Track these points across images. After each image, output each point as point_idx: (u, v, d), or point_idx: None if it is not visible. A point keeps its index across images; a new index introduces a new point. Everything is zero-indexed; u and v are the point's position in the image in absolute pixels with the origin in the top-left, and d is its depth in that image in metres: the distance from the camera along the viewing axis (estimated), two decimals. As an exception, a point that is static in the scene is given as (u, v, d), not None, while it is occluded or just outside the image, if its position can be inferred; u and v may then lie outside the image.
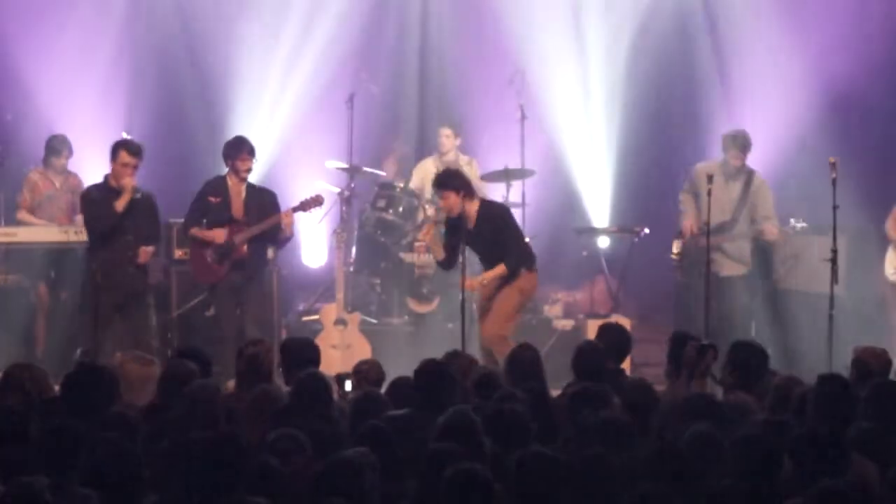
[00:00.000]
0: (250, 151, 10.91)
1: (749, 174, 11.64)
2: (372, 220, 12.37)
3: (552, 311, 12.53)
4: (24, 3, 13.14)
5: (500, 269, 10.18)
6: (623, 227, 12.75)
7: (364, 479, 5.51)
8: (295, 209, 10.93)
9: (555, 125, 13.42)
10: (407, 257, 12.30)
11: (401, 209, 12.38)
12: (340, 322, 11.51)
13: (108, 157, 10.68)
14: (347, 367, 8.46)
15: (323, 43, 13.41)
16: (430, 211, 12.07)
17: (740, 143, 11.56)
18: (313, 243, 13.33)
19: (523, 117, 12.61)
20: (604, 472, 5.56)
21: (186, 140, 13.34)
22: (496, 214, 10.41)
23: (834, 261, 9.99)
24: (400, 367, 8.19)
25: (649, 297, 13.02)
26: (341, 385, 8.01)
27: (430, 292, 12.29)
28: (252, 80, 13.37)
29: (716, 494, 5.57)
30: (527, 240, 11.00)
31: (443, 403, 6.59)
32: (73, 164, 11.97)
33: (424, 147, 13.49)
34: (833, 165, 9.94)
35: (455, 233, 10.27)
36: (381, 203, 12.40)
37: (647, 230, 12.36)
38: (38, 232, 11.62)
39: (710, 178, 10.53)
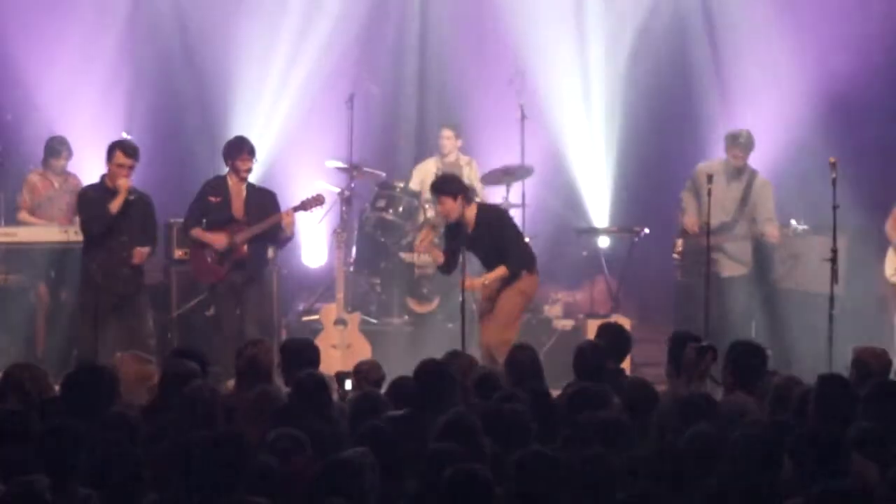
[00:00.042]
0: (250, 151, 10.91)
1: (751, 174, 11.63)
2: (372, 220, 12.37)
3: (552, 311, 12.53)
4: (25, 3, 13.13)
5: (502, 270, 10.16)
6: (623, 227, 12.75)
7: (364, 479, 5.51)
8: (296, 209, 10.93)
9: (555, 125, 13.42)
10: (407, 257, 12.30)
11: (401, 209, 12.38)
12: (340, 322, 11.51)
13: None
14: (347, 367, 8.46)
15: (322, 43, 13.41)
16: (431, 212, 12.07)
17: (743, 142, 11.56)
18: (313, 243, 13.33)
19: (523, 117, 12.60)
20: (603, 472, 5.56)
21: (186, 140, 13.34)
22: (494, 218, 10.40)
23: (834, 261, 9.99)
24: (400, 367, 8.19)
25: (649, 297, 13.02)
26: (341, 384, 8.02)
27: (430, 292, 12.30)
28: (252, 80, 13.36)
29: (715, 494, 5.57)
30: (526, 240, 11.00)
31: (443, 403, 6.59)
32: (73, 165, 11.96)
33: (424, 147, 13.48)
34: (833, 165, 9.94)
35: (454, 237, 10.26)
36: (381, 203, 12.40)
37: (647, 230, 12.36)
38: (38, 232, 11.62)
39: (710, 178, 10.53)
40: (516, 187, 12.49)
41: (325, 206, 11.37)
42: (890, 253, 11.51)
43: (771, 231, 11.51)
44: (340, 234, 11.71)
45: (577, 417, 6.38)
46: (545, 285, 11.93)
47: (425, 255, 11.44)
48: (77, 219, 11.15)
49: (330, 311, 11.58)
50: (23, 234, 11.59)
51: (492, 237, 10.19)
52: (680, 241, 11.82)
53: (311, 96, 13.38)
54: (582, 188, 13.44)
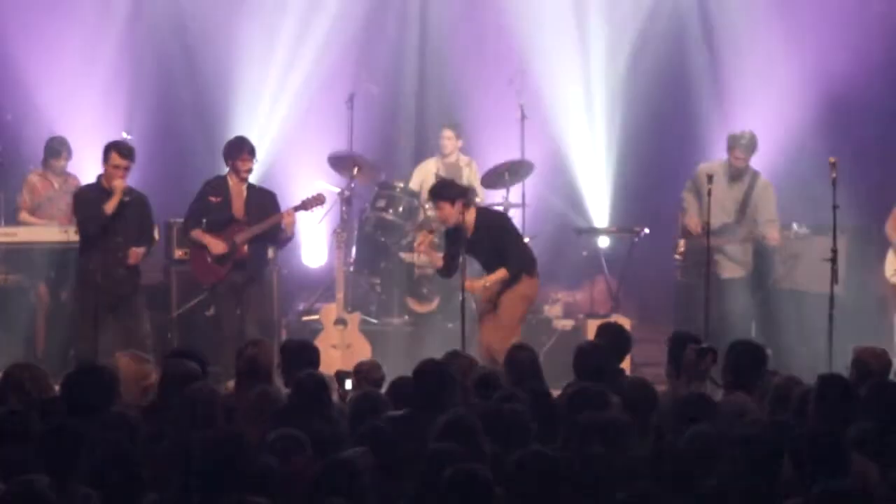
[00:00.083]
0: (251, 152, 10.91)
1: (753, 176, 11.63)
2: (372, 220, 12.36)
3: (552, 311, 12.52)
4: (26, 4, 13.14)
5: (502, 272, 10.13)
6: (623, 227, 12.75)
7: (363, 479, 5.52)
8: (296, 208, 10.93)
9: (555, 125, 13.42)
10: (407, 257, 12.30)
11: (401, 209, 12.37)
12: (340, 322, 11.51)
13: (105, 158, 10.67)
14: (347, 367, 8.46)
15: (323, 42, 13.42)
16: (431, 212, 12.07)
17: (745, 144, 11.54)
18: (313, 243, 13.33)
19: (523, 117, 12.61)
20: (603, 472, 5.56)
21: (186, 140, 13.34)
22: (494, 221, 10.38)
23: (834, 261, 9.98)
24: (400, 367, 8.20)
25: (649, 297, 13.02)
26: (341, 383, 8.02)
27: (430, 292, 12.30)
28: (251, 79, 13.37)
29: (715, 494, 5.57)
30: (526, 240, 11.00)
31: (443, 403, 6.59)
32: (73, 166, 11.97)
33: (424, 147, 13.48)
34: (833, 165, 9.93)
35: (454, 242, 10.24)
36: (381, 203, 12.39)
37: (647, 230, 12.36)
38: (38, 232, 11.62)
39: (710, 178, 10.53)
40: (516, 187, 12.48)
41: (325, 206, 11.37)
42: (890, 253, 11.51)
43: (772, 234, 11.50)
44: (340, 234, 11.71)
45: (577, 417, 6.37)
46: (545, 285, 11.93)
47: (424, 256, 11.43)
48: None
49: (330, 311, 11.59)
50: (23, 234, 11.59)
51: (492, 240, 10.17)
52: (682, 242, 11.82)
53: (311, 96, 13.38)
54: (582, 188, 13.44)
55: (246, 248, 10.85)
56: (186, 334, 11.64)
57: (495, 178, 12.45)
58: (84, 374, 6.90)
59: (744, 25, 13.15)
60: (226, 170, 10.99)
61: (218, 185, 10.95)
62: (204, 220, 10.88)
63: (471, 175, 12.58)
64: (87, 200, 10.58)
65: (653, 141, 13.45)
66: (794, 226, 11.76)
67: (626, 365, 9.26)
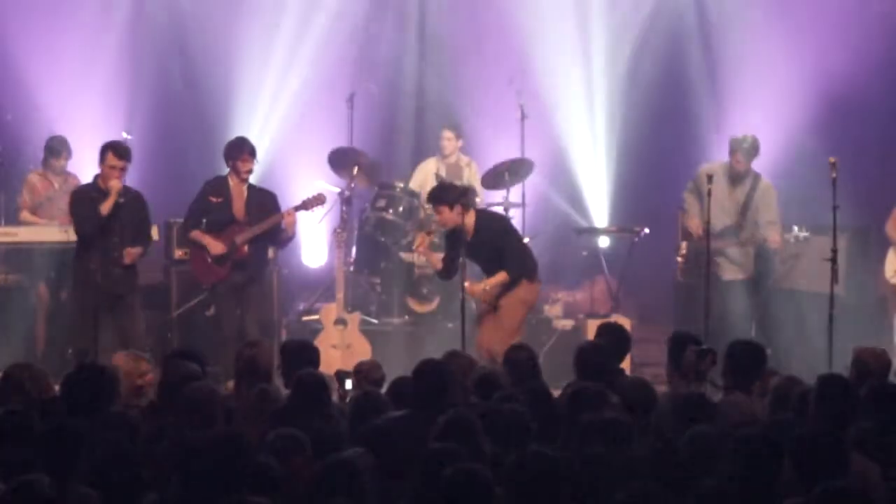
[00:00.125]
0: (251, 152, 10.91)
1: (755, 178, 11.62)
2: (372, 220, 12.36)
3: (552, 311, 12.52)
4: (27, 4, 13.14)
5: (502, 276, 10.09)
6: (623, 227, 12.75)
7: (363, 479, 5.52)
8: (297, 208, 10.93)
9: (555, 125, 13.42)
10: (407, 257, 12.30)
11: (401, 209, 12.37)
12: (340, 322, 11.51)
13: (105, 158, 10.67)
14: (347, 367, 8.47)
15: (322, 42, 13.42)
16: (431, 212, 12.06)
17: (747, 148, 11.53)
18: (313, 243, 13.33)
19: (523, 117, 12.61)
20: (603, 472, 5.56)
21: (186, 140, 13.34)
22: (494, 224, 10.36)
23: (834, 261, 9.98)
24: (400, 367, 8.21)
25: (649, 297, 13.03)
26: (342, 383, 8.02)
27: (430, 292, 12.29)
28: (251, 79, 13.37)
29: (715, 494, 5.57)
30: (526, 240, 10.99)
31: (443, 403, 6.59)
32: (74, 165, 11.97)
33: (424, 147, 13.48)
34: (833, 165, 9.93)
35: (454, 244, 10.22)
36: (381, 203, 12.39)
37: (647, 230, 12.35)
38: (39, 232, 11.62)
39: (710, 178, 10.53)
40: (516, 187, 12.48)
41: (326, 206, 11.37)
42: (890, 253, 11.51)
43: (773, 237, 11.48)
44: (340, 234, 11.71)
45: (577, 417, 6.38)
46: (545, 285, 11.92)
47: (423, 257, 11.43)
48: (76, 219, 11.15)
49: (330, 311, 11.58)
50: (23, 234, 11.59)
51: (492, 243, 10.13)
52: (684, 244, 11.82)
53: (311, 96, 13.38)
54: (582, 188, 13.45)
55: (246, 248, 10.85)
56: (186, 334, 11.64)
57: (495, 178, 12.44)
58: (84, 374, 6.90)
59: (744, 25, 13.15)
60: (226, 170, 10.99)
61: (218, 186, 10.95)
62: (204, 221, 10.88)
63: (471, 175, 12.58)
64: (83, 201, 10.57)
65: (653, 141, 13.46)
66: (795, 229, 11.73)
67: (626, 365, 9.27)
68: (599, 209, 13.39)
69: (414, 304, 12.33)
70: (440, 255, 10.52)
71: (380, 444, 5.90)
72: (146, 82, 13.37)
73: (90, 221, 10.46)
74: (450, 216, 10.09)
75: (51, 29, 13.07)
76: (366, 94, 13.28)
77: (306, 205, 10.96)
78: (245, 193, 10.94)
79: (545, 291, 12.32)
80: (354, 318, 11.59)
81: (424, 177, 12.61)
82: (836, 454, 5.73)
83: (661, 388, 7.93)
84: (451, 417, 6.10)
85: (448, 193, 10.23)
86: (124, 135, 11.89)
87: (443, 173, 12.57)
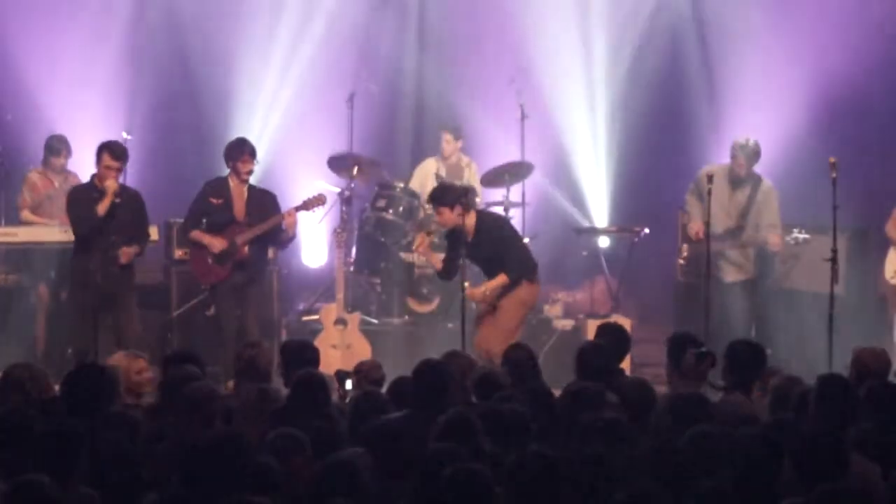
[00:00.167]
0: (252, 153, 10.91)
1: (756, 180, 11.60)
2: (372, 220, 12.36)
3: (552, 311, 12.52)
4: (27, 4, 13.14)
5: (502, 278, 10.10)
6: (623, 227, 12.75)
7: (363, 479, 5.52)
8: (298, 208, 10.94)
9: (555, 125, 13.42)
10: (407, 257, 12.30)
11: (401, 209, 12.37)
12: (340, 322, 11.51)
13: (105, 158, 10.67)
14: (347, 367, 8.47)
15: (322, 42, 13.42)
16: (431, 212, 12.06)
17: (748, 151, 11.50)
18: (313, 243, 13.33)
19: (523, 117, 12.61)
20: (603, 472, 5.56)
21: (186, 140, 13.34)
22: (494, 225, 10.35)
23: (834, 261, 9.98)
24: (400, 367, 8.20)
25: (649, 297, 13.03)
26: (342, 383, 8.02)
27: (430, 292, 12.30)
28: (251, 80, 13.37)
29: (715, 494, 5.57)
30: (525, 240, 10.99)
31: (443, 403, 6.59)
32: (74, 165, 11.96)
33: (424, 147, 13.48)
34: (833, 165, 9.93)
35: (454, 245, 10.22)
36: (381, 203, 12.39)
37: (647, 230, 12.35)
38: (38, 232, 11.63)
39: (709, 178, 10.52)
40: (516, 187, 12.48)
41: (326, 207, 11.37)
42: (890, 253, 11.50)
43: (773, 239, 11.46)
44: (340, 234, 11.70)
45: (577, 417, 6.38)
46: (545, 285, 11.93)
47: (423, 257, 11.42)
48: (77, 218, 11.14)
49: (330, 311, 11.58)
50: (23, 234, 11.59)
51: (492, 245, 10.13)
52: (685, 247, 11.81)
53: (311, 96, 13.38)
54: (582, 188, 13.45)
55: (246, 248, 10.85)
56: (186, 334, 11.64)
57: (495, 178, 12.46)
58: (84, 374, 6.90)
59: (744, 26, 13.15)
60: (226, 171, 10.99)
61: (219, 187, 10.95)
62: (204, 221, 10.88)
63: (471, 176, 12.58)
64: (80, 201, 10.57)
65: (653, 141, 13.46)
66: (795, 231, 11.71)
67: (626, 365, 9.27)
68: (599, 209, 13.39)
69: (414, 305, 12.34)
70: (440, 256, 10.52)
71: (380, 444, 5.90)
72: (146, 82, 13.36)
73: (87, 221, 10.46)
74: (450, 217, 10.09)
75: (51, 29, 13.07)
76: (366, 94, 13.27)
77: (307, 205, 10.97)
78: (245, 194, 10.94)
79: (545, 291, 12.31)
80: (354, 318, 11.59)
81: (424, 177, 12.61)
82: (836, 454, 5.73)
83: (661, 389, 7.92)
84: (451, 417, 6.10)
85: (448, 194, 10.23)
86: (124, 135, 11.88)
87: (443, 173, 12.58)
